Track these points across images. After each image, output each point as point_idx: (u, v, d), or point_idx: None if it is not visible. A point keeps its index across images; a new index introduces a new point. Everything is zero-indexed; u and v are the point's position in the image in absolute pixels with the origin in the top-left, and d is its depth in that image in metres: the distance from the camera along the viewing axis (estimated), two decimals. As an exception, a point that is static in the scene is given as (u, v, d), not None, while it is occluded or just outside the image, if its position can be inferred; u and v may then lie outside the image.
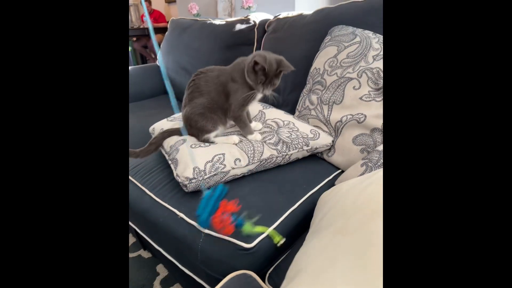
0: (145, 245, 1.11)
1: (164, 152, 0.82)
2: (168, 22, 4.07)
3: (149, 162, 0.88)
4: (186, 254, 0.62)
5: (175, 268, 0.88)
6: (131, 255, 1.13)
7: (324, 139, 0.82)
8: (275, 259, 0.60)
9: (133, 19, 4.54)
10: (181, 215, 0.64)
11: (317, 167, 0.82)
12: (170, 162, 0.76)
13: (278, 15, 1.32)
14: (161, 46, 1.82)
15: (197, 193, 0.69)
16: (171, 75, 1.70)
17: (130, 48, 3.78)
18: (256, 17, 1.39)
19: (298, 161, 0.83)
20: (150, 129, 1.00)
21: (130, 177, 0.83)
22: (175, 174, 0.70)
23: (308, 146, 0.80)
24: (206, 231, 0.59)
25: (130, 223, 0.85)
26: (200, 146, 0.73)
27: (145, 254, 1.13)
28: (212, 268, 0.57)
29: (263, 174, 0.76)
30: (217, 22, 1.52)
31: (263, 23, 1.35)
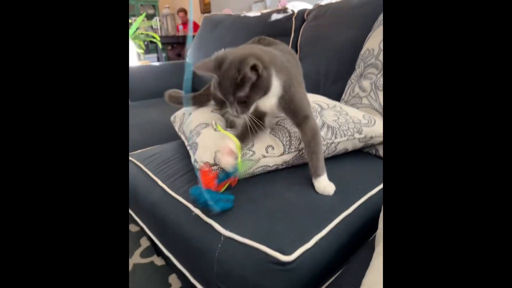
0: (159, 251, 0.98)
1: (183, 138, 0.69)
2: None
3: (167, 152, 0.76)
4: (200, 263, 0.46)
5: (188, 281, 0.73)
6: (142, 260, 1.00)
7: (381, 127, 0.64)
8: (323, 280, 0.42)
9: (169, 28, 4.69)
10: (196, 211, 0.49)
11: (372, 165, 0.63)
12: (189, 148, 0.62)
13: (320, 2, 1.19)
14: (192, 43, 1.77)
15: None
16: (200, 71, 1.62)
17: (164, 55, 3.88)
18: (294, 6, 1.27)
19: (347, 156, 0.65)
20: (172, 118, 0.90)
21: (142, 167, 0.71)
22: (193, 160, 0.56)
23: (361, 134, 0.62)
24: (227, 232, 0.43)
25: (140, 222, 0.72)
26: (226, 130, 0.59)
27: (158, 261, 1.00)
28: (231, 286, 0.41)
29: (302, 169, 0.59)
30: (251, 14, 1.42)
31: (302, 12, 1.23)
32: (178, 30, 4.53)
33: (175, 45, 4.45)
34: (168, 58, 4.59)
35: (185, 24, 4.50)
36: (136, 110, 1.28)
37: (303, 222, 0.44)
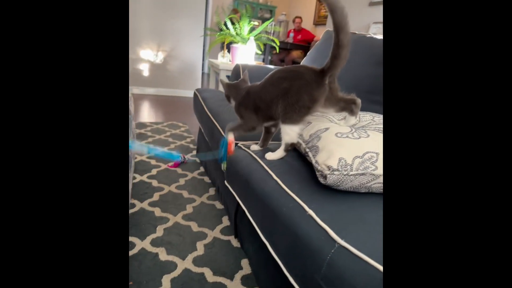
0: (238, 233, 1.08)
1: (301, 141, 0.74)
2: (312, 41, 4.22)
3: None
4: (303, 259, 0.51)
5: (265, 271, 0.79)
6: (222, 237, 1.11)
7: None
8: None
9: (280, 33, 4.94)
10: (310, 212, 0.54)
11: None
12: (308, 150, 0.67)
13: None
14: (307, 54, 1.84)
15: (333, 192, 0.58)
16: (310, 82, 1.68)
17: (269, 58, 4.11)
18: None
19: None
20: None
21: (257, 158, 0.79)
22: (314, 161, 0.61)
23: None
24: (343, 242, 0.46)
25: (241, 203, 0.81)
26: (347, 136, 0.62)
27: (235, 242, 1.09)
28: (336, 291, 0.44)
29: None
30: (379, 37, 1.40)
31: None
32: (288, 36, 4.73)
33: (281, 50, 4.67)
34: (271, 62, 4.85)
35: (298, 31, 4.67)
36: (247, 104, 1.42)
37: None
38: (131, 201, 1.25)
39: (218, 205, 1.31)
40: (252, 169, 0.75)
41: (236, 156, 0.87)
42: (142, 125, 2.23)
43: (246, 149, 0.88)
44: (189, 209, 1.25)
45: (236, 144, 0.94)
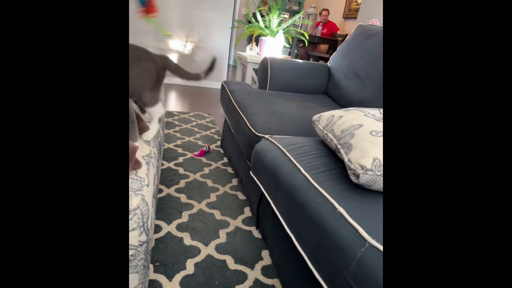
0: (259, 224, 1.09)
1: (332, 137, 0.74)
2: (336, 34, 4.11)
3: (307, 145, 0.83)
4: (330, 255, 0.51)
5: (286, 263, 0.80)
6: (243, 227, 1.13)
7: None
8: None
9: (308, 26, 4.84)
10: (341, 209, 0.54)
11: None
12: (339, 146, 0.67)
13: None
14: (337, 48, 1.80)
15: (363, 191, 0.58)
16: (339, 77, 1.64)
17: (296, 51, 4.05)
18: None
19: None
20: (315, 116, 0.96)
21: (286, 152, 0.80)
22: (346, 159, 0.60)
23: None
24: (374, 242, 0.46)
25: (267, 195, 0.83)
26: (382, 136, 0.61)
27: (256, 233, 1.11)
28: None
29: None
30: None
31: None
32: (316, 29, 4.63)
33: (308, 44, 4.58)
34: (297, 55, 4.78)
35: (325, 24, 4.56)
36: (275, 98, 1.42)
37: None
38: (159, 186, 1.30)
39: (241, 196, 1.33)
40: (279, 162, 0.76)
41: (264, 148, 0.88)
42: (170, 114, 2.30)
43: (274, 141, 0.89)
44: (212, 197, 1.29)
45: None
